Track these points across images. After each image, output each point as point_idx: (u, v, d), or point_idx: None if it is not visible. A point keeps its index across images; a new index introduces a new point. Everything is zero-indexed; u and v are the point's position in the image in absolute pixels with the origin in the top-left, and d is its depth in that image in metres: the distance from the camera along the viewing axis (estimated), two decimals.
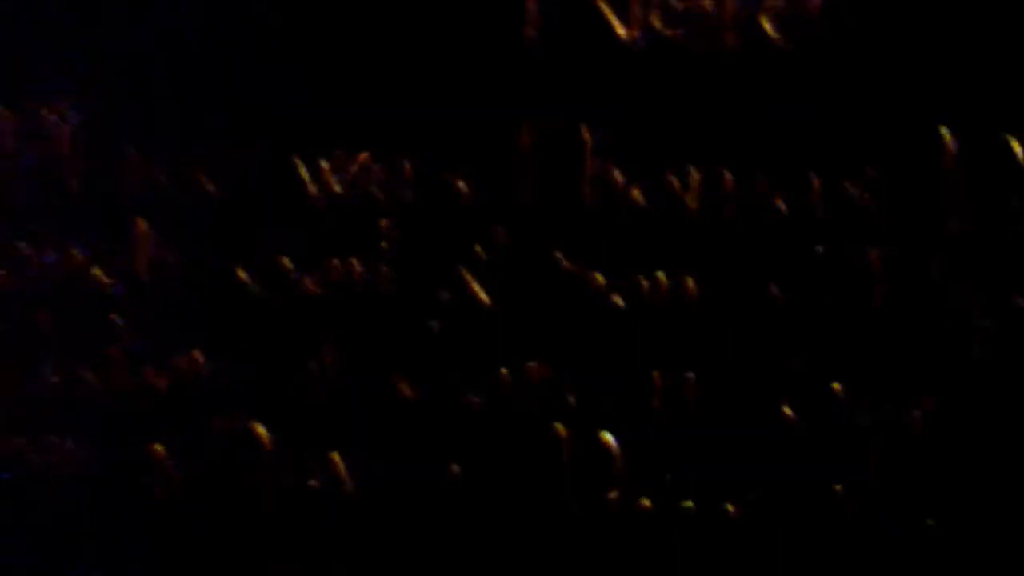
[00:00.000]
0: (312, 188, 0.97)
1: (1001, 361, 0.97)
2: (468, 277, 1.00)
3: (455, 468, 1.03)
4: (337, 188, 0.97)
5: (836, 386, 1.00)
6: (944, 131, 0.95)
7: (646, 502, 1.02)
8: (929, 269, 0.96)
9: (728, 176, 0.98)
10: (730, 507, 1.01)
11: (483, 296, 1.01)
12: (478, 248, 1.00)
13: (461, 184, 1.00)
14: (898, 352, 0.99)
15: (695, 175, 0.99)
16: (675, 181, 0.99)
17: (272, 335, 1.00)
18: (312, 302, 0.99)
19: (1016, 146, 0.94)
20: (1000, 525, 0.98)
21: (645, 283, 1.01)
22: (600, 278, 1.02)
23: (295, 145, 0.96)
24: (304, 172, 0.96)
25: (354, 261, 0.98)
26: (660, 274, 1.01)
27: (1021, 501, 0.99)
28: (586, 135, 0.99)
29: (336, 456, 1.01)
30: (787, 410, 1.00)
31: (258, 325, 1.00)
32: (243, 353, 1.01)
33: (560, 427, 1.02)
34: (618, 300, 1.02)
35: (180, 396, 1.01)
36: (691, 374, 1.02)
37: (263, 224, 0.98)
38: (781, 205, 0.98)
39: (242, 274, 0.99)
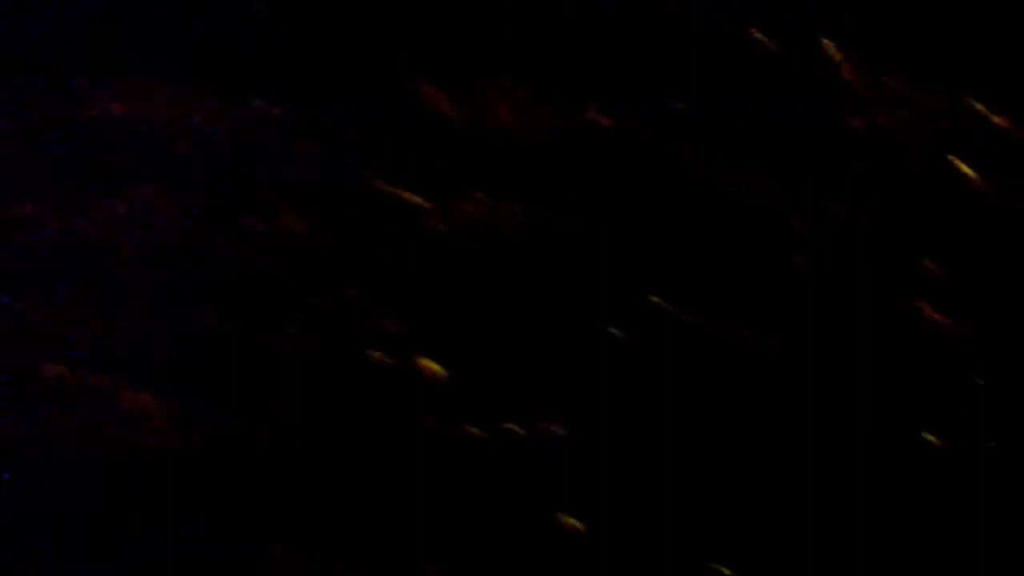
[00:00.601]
0: (102, 117, 0.93)
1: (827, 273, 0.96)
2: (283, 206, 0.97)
3: (275, 402, 1.00)
4: (134, 116, 0.93)
5: (657, 300, 0.98)
6: (759, 35, 0.92)
7: (474, 428, 1.00)
8: (748, 181, 0.94)
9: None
10: (559, 429, 0.99)
11: (298, 224, 0.98)
12: (290, 174, 0.97)
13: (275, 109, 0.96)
14: (718, 265, 0.97)
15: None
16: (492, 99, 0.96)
17: (66, 271, 0.96)
18: (113, 234, 0.95)
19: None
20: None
21: (466, 206, 0.98)
22: (421, 201, 0.99)
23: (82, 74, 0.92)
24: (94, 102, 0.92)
25: (158, 191, 0.94)
26: (480, 195, 0.98)
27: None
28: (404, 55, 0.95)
29: (147, 396, 0.98)
30: (614, 330, 0.98)
31: (51, 263, 0.97)
32: (29, 292, 0.97)
33: (379, 354, 1.00)
34: (439, 224, 0.99)
35: None
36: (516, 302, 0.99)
37: (51, 155, 0.94)
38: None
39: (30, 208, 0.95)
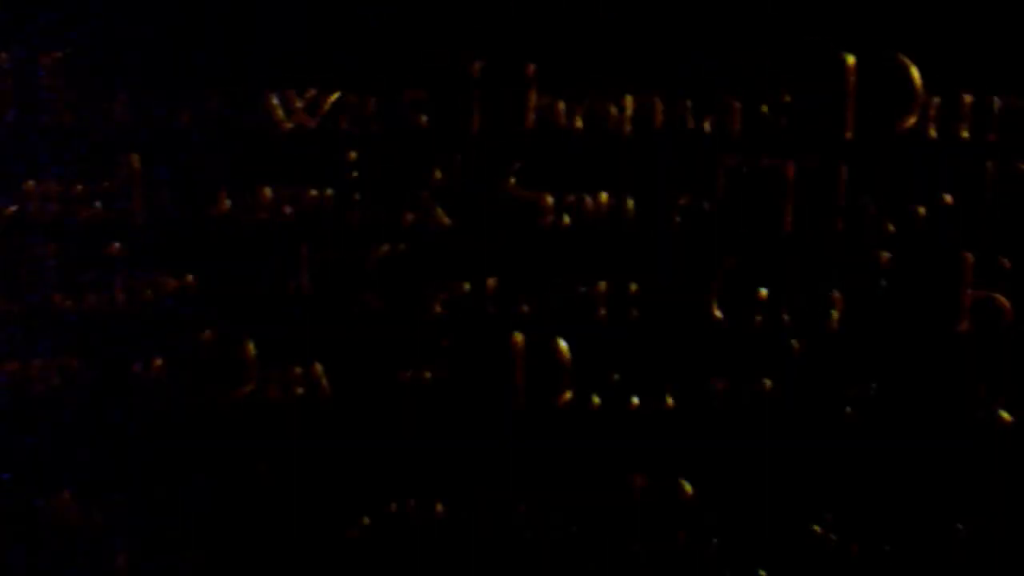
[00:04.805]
0: (288, 123, 1.08)
1: (904, 268, 1.08)
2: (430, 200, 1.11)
3: (426, 375, 1.14)
4: (310, 123, 1.08)
5: (762, 292, 1.11)
6: (847, 56, 1.06)
7: (596, 400, 1.14)
8: (836, 183, 1.08)
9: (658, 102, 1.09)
10: (670, 400, 1.13)
11: (444, 218, 1.12)
12: (438, 173, 1.11)
13: (422, 117, 1.10)
14: (814, 259, 1.10)
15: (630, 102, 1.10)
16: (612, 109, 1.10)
17: (255, 258, 1.11)
18: (289, 227, 1.10)
19: (912, 68, 1.05)
20: (914, 425, 1.10)
21: (590, 202, 1.12)
22: (549, 199, 1.13)
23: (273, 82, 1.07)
24: (280, 108, 1.07)
25: (327, 190, 1.09)
26: (603, 195, 1.12)
27: (929, 394, 1.10)
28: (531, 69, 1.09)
29: (318, 365, 1.12)
30: (717, 312, 1.11)
31: (243, 249, 1.11)
32: (229, 276, 1.12)
33: (517, 335, 1.13)
34: (566, 219, 1.13)
35: (173, 315, 1.12)
36: (633, 284, 1.13)
37: (244, 157, 1.09)
38: (706, 127, 1.09)
39: (227, 203, 1.10)
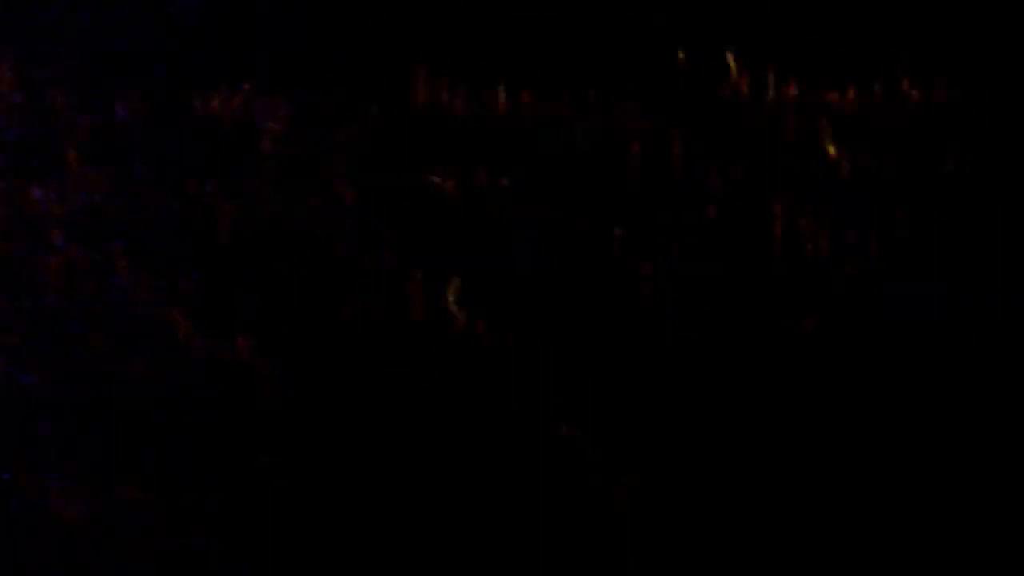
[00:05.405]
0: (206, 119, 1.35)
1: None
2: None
3: (346, 312, 1.42)
4: (225, 119, 1.36)
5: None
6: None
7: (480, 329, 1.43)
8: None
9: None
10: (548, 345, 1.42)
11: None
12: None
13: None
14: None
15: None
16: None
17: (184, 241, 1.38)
18: (219, 213, 1.37)
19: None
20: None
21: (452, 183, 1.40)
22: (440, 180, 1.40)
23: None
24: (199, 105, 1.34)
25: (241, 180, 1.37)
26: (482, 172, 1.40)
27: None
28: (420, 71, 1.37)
29: (245, 339, 1.40)
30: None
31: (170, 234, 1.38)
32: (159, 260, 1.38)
33: (415, 277, 1.42)
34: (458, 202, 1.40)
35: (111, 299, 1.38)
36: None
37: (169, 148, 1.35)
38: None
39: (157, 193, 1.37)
